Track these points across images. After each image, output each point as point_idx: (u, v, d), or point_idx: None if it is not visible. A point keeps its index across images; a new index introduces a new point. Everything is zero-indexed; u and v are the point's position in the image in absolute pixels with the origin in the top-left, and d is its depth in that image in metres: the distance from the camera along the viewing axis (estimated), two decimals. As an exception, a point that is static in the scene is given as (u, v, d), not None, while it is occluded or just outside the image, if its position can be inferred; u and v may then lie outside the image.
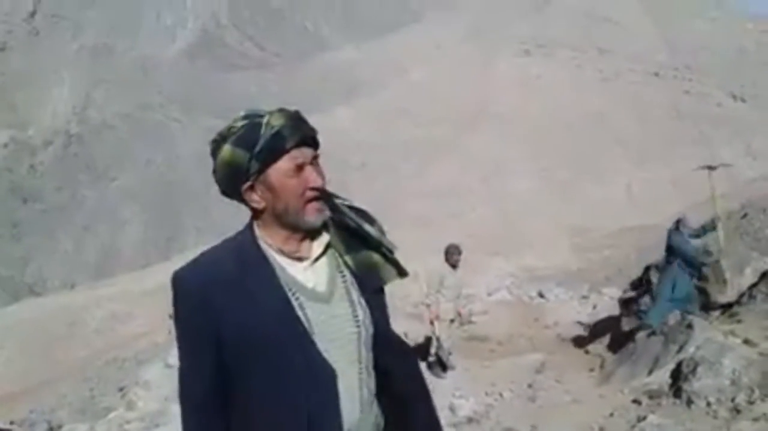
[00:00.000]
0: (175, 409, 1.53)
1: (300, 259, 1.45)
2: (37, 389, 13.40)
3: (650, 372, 5.85)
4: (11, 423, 9.75)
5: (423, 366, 7.26)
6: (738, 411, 4.39)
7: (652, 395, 5.23)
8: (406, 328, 8.76)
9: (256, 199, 1.42)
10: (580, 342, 9.24)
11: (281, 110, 1.43)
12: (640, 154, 34.45)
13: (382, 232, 1.53)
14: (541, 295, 14.17)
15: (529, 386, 6.62)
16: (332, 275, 1.47)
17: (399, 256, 1.54)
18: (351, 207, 1.52)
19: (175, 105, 47.62)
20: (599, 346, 8.44)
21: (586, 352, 8.48)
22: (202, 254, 1.47)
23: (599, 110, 39.17)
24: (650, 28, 49.89)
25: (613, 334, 8.44)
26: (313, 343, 1.38)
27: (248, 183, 1.41)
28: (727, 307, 6.88)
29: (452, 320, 7.49)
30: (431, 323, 7.34)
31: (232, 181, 1.42)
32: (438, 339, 7.27)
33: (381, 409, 1.53)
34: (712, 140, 33.11)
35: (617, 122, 38.09)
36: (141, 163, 43.68)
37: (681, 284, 6.84)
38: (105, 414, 6.09)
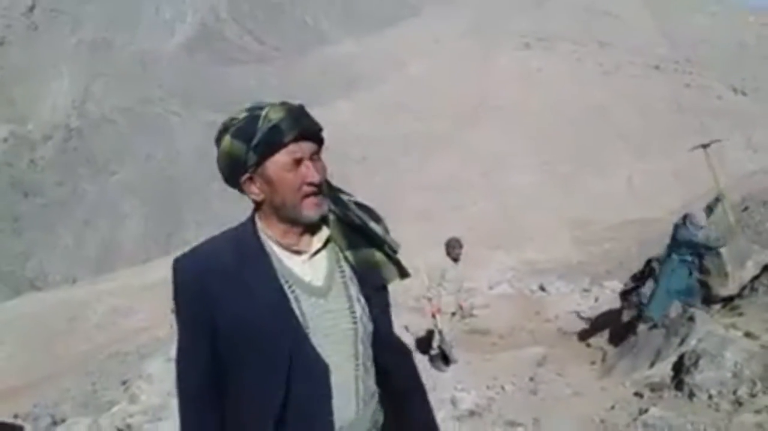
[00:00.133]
0: (177, 403, 1.53)
1: (299, 252, 1.45)
2: (39, 383, 13.44)
3: (652, 365, 5.85)
4: (15, 416, 9.79)
5: (425, 359, 7.27)
6: (740, 404, 4.39)
7: (654, 388, 5.23)
8: (408, 321, 8.77)
9: (255, 191, 1.42)
10: (581, 335, 9.24)
11: (283, 104, 1.42)
12: (641, 147, 34.44)
13: (386, 231, 1.52)
14: (542, 288, 14.17)
15: (531, 379, 6.62)
16: (331, 270, 1.46)
17: (401, 250, 1.53)
18: (357, 203, 1.51)
19: (174, 99, 47.58)
20: (600, 339, 8.43)
21: (588, 345, 8.48)
22: (202, 243, 1.47)
23: (600, 104, 39.13)
24: (650, 22, 49.82)
25: (614, 327, 8.44)
26: (306, 337, 1.37)
27: (247, 175, 1.41)
28: (728, 300, 6.87)
29: (453, 314, 7.48)
30: (433, 316, 7.33)
31: (232, 172, 1.43)
32: (440, 332, 7.27)
33: (380, 405, 1.52)
34: (713, 132, 33.06)
35: (618, 116, 38.04)
36: (141, 157, 43.68)
37: (679, 276, 6.83)
38: (108, 408, 6.09)
